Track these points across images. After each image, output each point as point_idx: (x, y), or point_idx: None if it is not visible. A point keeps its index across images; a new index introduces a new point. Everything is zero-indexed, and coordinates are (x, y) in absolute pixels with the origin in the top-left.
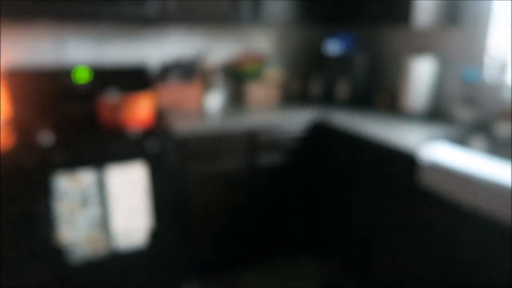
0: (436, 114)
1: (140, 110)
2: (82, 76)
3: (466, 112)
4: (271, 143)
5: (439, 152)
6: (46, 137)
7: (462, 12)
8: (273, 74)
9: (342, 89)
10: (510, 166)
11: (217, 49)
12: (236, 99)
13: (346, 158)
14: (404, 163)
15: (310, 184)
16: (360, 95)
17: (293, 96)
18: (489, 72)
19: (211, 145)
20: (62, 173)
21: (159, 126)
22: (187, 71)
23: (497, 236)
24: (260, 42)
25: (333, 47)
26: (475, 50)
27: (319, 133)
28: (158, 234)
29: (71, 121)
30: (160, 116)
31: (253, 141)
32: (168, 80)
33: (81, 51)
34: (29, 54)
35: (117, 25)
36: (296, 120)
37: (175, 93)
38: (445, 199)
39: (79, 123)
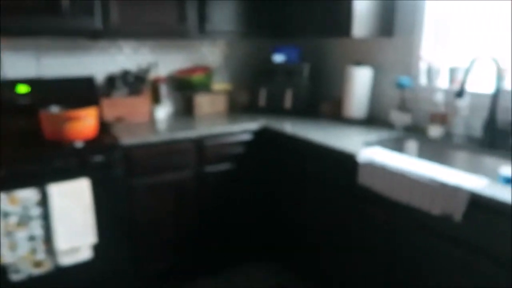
0: (375, 120)
1: (84, 123)
2: (23, 89)
3: (401, 117)
4: (219, 152)
5: (376, 153)
6: None
7: (396, 24)
8: (221, 85)
9: (288, 99)
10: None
11: (165, 61)
12: (185, 110)
13: (292, 163)
14: (345, 164)
15: (259, 190)
16: (305, 104)
17: (241, 106)
18: (422, 79)
19: (159, 156)
20: (2, 192)
21: (104, 139)
22: (134, 83)
23: (429, 228)
24: (208, 54)
25: (279, 58)
26: (408, 59)
27: (266, 140)
28: (104, 248)
29: (11, 136)
30: (106, 129)
31: (201, 150)
32: (115, 93)
33: (21, 64)
34: None
35: (60, 39)
36: (243, 129)
37: (122, 105)
38: (381, 196)
39: (20, 138)
